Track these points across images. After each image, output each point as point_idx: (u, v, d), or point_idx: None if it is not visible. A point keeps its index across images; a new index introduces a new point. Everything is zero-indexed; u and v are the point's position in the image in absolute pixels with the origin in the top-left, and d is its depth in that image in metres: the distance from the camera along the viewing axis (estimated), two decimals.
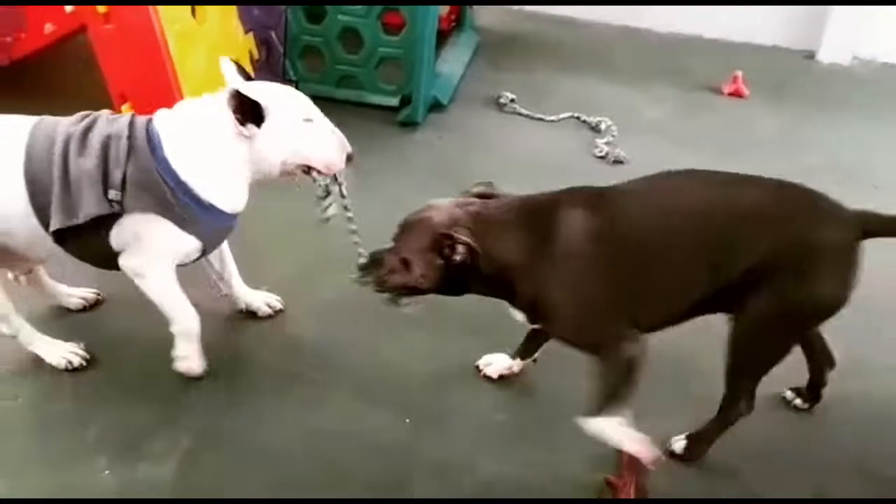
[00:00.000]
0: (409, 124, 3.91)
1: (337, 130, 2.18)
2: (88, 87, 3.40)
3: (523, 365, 2.40)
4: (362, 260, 2.13)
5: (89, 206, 2.02)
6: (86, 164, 2.03)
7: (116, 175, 2.03)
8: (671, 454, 2.17)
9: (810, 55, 5.44)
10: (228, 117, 2.04)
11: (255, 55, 3.94)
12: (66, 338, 2.35)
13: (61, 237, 2.08)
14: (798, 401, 2.41)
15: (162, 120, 2.13)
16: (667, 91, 4.66)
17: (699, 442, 2.18)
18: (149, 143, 2.07)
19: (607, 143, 3.85)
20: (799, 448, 2.29)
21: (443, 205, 2.03)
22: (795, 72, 5.22)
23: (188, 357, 2.28)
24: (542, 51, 5.18)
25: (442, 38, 4.46)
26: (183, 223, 2.10)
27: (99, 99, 3.16)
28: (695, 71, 4.97)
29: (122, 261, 2.15)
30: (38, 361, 2.29)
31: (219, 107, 2.07)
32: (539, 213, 2.00)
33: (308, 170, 2.18)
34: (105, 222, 2.07)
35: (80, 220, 2.03)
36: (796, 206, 2.00)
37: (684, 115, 4.38)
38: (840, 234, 1.96)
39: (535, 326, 2.21)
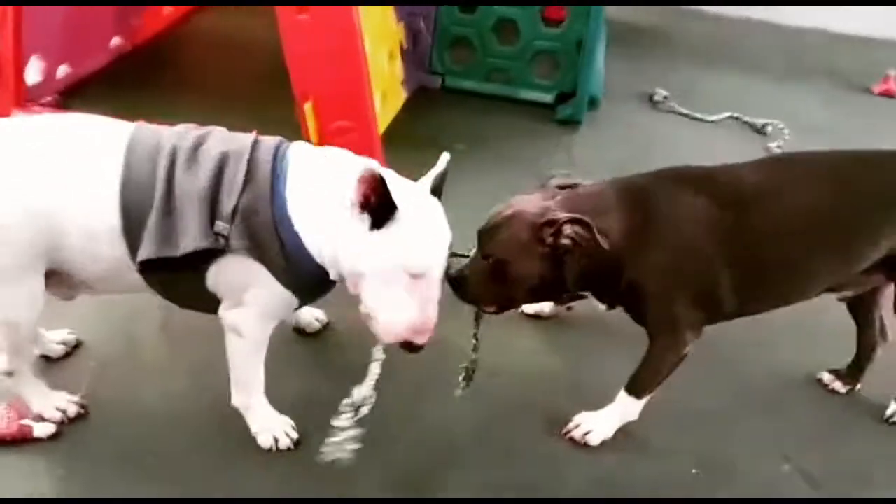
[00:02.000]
0: (570, 123, 3.67)
1: (433, 312, 1.73)
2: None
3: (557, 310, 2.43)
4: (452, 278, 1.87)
5: (191, 238, 1.67)
6: (194, 185, 1.69)
7: (228, 204, 1.68)
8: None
9: None
10: (353, 192, 1.67)
11: (404, 45, 3.70)
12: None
13: (148, 268, 1.73)
14: (837, 384, 2.30)
15: (299, 153, 1.79)
16: (816, 89, 4.42)
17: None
18: (272, 171, 1.72)
19: (779, 147, 3.62)
20: None
21: (526, 198, 1.92)
22: None
23: (267, 429, 1.94)
24: (678, 43, 4.92)
25: None
26: (285, 279, 1.76)
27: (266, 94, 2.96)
28: (837, 67, 4.72)
29: (222, 311, 1.82)
30: None
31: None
32: (642, 194, 1.93)
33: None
34: (204, 256, 1.72)
35: (178, 252, 1.68)
36: None
37: (842, 116, 4.13)
38: None
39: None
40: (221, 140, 1.78)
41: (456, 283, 1.89)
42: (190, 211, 1.68)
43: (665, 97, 4.00)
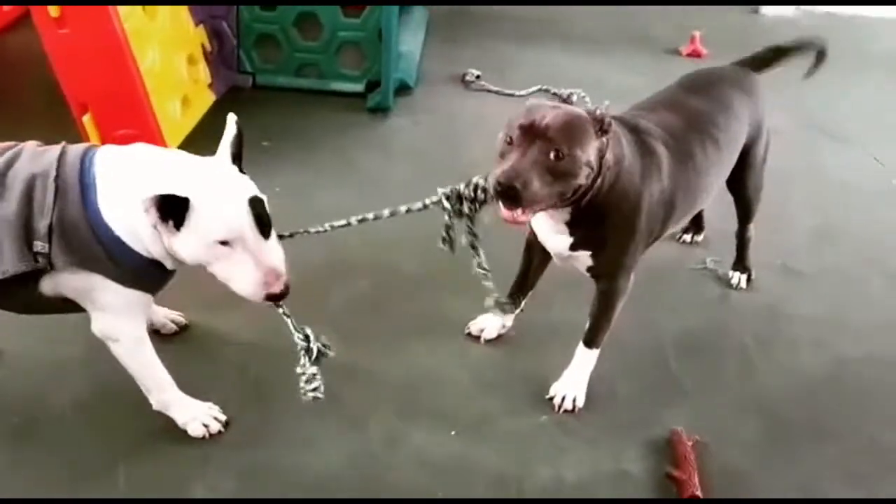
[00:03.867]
0: (380, 110, 3.75)
1: (266, 260, 1.80)
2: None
3: (513, 318, 2.43)
4: (498, 183, 1.74)
5: (9, 262, 1.75)
6: (5, 210, 1.74)
7: (41, 224, 1.74)
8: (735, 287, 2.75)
9: (754, 9, 5.49)
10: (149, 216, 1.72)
11: (209, 48, 3.70)
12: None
13: None
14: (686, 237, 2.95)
15: (105, 162, 1.82)
16: (628, 57, 4.61)
17: (746, 268, 2.76)
18: (80, 183, 1.77)
19: None
20: None
21: (548, 104, 1.88)
22: (744, 27, 5.24)
23: (194, 418, 2.03)
24: (497, 23, 5.04)
25: None
26: (122, 280, 1.83)
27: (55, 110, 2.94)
28: (650, 34, 4.94)
29: (93, 326, 1.92)
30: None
31: (151, 186, 1.74)
32: (638, 133, 2.07)
33: None
34: (32, 274, 1.79)
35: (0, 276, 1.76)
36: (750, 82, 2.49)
37: (650, 80, 4.23)
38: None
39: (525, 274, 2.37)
40: (30, 159, 1.81)
41: (510, 190, 1.75)
42: (5, 237, 1.74)
43: (477, 77, 4.12)
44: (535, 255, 2.33)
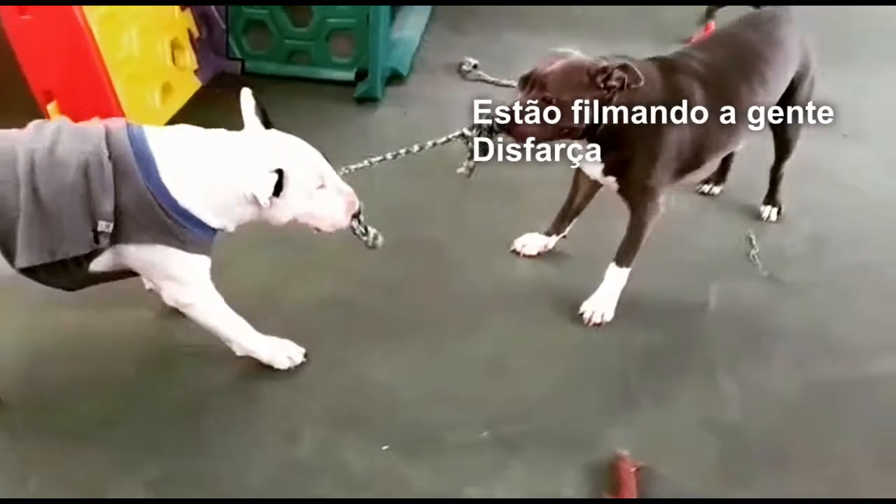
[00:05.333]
0: (368, 100, 3.65)
1: (345, 187, 2.05)
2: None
3: (557, 240, 2.70)
4: (498, 119, 2.17)
5: (74, 244, 1.80)
6: (62, 190, 1.76)
7: (106, 205, 1.78)
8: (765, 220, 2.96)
9: None
10: (250, 190, 1.86)
11: (196, 33, 3.64)
12: None
13: (30, 269, 1.84)
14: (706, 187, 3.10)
15: (158, 140, 1.88)
16: (637, 45, 4.36)
17: (777, 202, 2.97)
18: (139, 163, 1.83)
19: None
20: None
21: (571, 54, 2.20)
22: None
23: (274, 355, 2.19)
24: (504, 10, 4.84)
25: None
26: (190, 247, 1.93)
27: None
28: (660, 22, 4.72)
29: (165, 297, 2.04)
30: None
31: (235, 164, 1.89)
32: (664, 71, 2.30)
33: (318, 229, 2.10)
34: (89, 253, 1.85)
35: (59, 257, 1.80)
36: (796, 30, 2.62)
37: None
38: None
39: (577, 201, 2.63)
40: (76, 137, 1.83)
41: (505, 124, 2.17)
42: (67, 218, 1.77)
43: (475, 66, 3.98)
44: (581, 184, 2.61)
